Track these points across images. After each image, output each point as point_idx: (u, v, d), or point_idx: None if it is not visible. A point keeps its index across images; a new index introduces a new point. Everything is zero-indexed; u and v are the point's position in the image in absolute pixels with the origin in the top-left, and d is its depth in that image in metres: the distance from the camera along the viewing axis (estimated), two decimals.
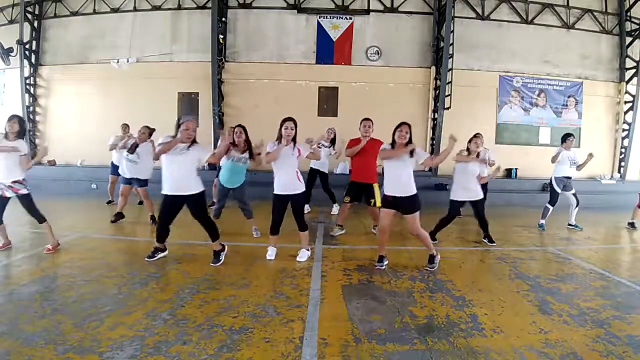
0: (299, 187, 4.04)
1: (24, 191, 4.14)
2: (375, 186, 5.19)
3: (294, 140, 3.99)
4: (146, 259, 3.97)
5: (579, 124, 10.41)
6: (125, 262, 3.96)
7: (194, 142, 3.87)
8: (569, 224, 6.33)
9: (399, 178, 3.83)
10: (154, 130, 5.95)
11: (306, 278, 3.61)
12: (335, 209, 7.12)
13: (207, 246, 4.31)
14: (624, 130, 10.55)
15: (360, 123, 5.14)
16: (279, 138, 3.97)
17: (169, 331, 2.50)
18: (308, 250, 4.25)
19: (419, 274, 3.82)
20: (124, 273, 3.60)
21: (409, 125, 3.82)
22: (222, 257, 4.02)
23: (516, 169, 10.16)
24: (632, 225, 6.53)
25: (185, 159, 3.80)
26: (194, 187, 3.86)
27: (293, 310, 2.89)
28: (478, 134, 5.28)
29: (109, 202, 7.55)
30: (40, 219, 4.21)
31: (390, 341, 2.45)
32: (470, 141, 5.04)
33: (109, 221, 5.80)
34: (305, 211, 6.99)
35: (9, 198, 4.13)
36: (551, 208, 6.21)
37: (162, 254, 4.08)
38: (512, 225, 6.54)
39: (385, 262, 4.01)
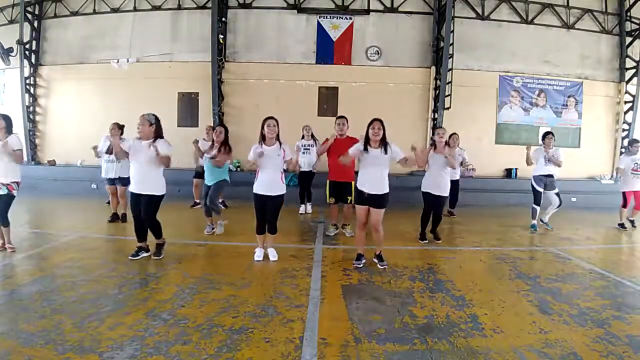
0: (280, 189, 4.00)
1: (14, 192, 4.16)
2: (354, 184, 5.14)
3: (277, 138, 3.96)
4: (130, 257, 3.99)
5: (579, 124, 10.40)
6: (125, 262, 3.95)
7: (157, 138, 3.86)
8: (542, 220, 6.24)
9: (374, 175, 3.85)
10: (123, 126, 5.86)
11: (306, 278, 3.61)
12: (302, 208, 7.10)
13: (207, 246, 4.32)
14: (624, 130, 10.52)
15: (335, 122, 5.12)
16: (262, 139, 3.93)
17: (169, 331, 2.50)
18: (274, 248, 4.22)
19: (419, 274, 3.82)
20: (124, 273, 3.61)
21: (381, 121, 3.84)
22: (163, 252, 4.11)
23: (516, 169, 10.13)
24: (622, 226, 6.49)
25: (147, 157, 3.81)
26: (155, 188, 3.89)
27: (293, 310, 2.90)
28: (442, 129, 5.26)
29: (108, 202, 7.53)
30: (6, 223, 4.19)
31: (390, 341, 2.45)
32: (432, 134, 5.06)
33: (115, 222, 5.84)
34: (309, 211, 7.01)
35: (11, 198, 4.12)
36: (538, 208, 6.17)
37: (145, 254, 4.09)
38: (512, 225, 6.54)
39: (363, 261, 4.03)
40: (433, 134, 9.67)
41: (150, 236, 4.08)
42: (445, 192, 5.01)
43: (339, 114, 5.20)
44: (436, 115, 9.73)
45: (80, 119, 10.25)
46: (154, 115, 3.96)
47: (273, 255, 4.16)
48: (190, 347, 2.30)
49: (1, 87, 10.90)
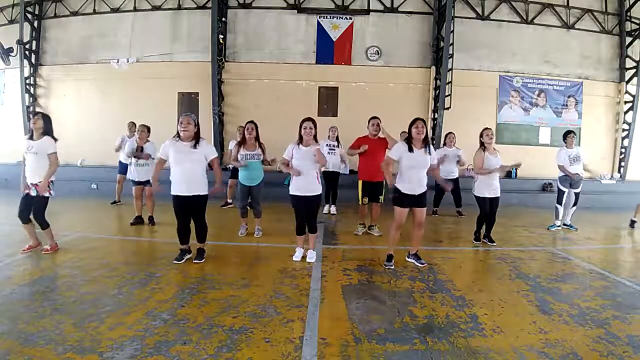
0: (317, 189, 4.02)
1: (45, 193, 4.09)
2: (384, 183, 5.20)
3: (315, 138, 3.97)
4: (174, 261, 3.96)
5: (579, 124, 10.39)
6: (125, 262, 3.96)
7: (198, 140, 3.82)
8: (564, 224, 6.31)
9: (418, 175, 3.86)
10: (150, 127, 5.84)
11: (306, 278, 3.61)
12: (327, 208, 7.07)
13: (207, 246, 4.30)
14: (624, 130, 10.52)
15: (369, 122, 5.17)
16: (300, 140, 3.95)
17: (169, 331, 2.50)
18: (314, 250, 4.24)
19: (419, 274, 3.82)
20: (124, 273, 3.61)
21: (424, 121, 3.88)
22: (205, 256, 4.09)
23: (516, 169, 10.14)
24: (633, 222, 6.45)
25: (192, 158, 3.76)
26: (202, 188, 3.85)
27: (293, 310, 2.90)
28: (487, 128, 5.18)
29: (113, 203, 7.47)
30: (44, 225, 4.18)
31: (390, 341, 2.45)
32: (481, 136, 5.05)
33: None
34: (333, 212, 6.98)
35: (43, 198, 4.11)
36: (561, 207, 6.19)
37: (188, 256, 4.07)
38: (512, 225, 6.53)
39: (393, 261, 4.03)
40: (433, 133, 9.86)
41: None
42: (499, 192, 5.00)
43: (372, 115, 5.23)
44: (436, 115, 9.74)
45: (80, 119, 10.26)
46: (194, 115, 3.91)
47: (311, 256, 4.12)
48: (190, 347, 2.30)
49: (1, 87, 10.90)
